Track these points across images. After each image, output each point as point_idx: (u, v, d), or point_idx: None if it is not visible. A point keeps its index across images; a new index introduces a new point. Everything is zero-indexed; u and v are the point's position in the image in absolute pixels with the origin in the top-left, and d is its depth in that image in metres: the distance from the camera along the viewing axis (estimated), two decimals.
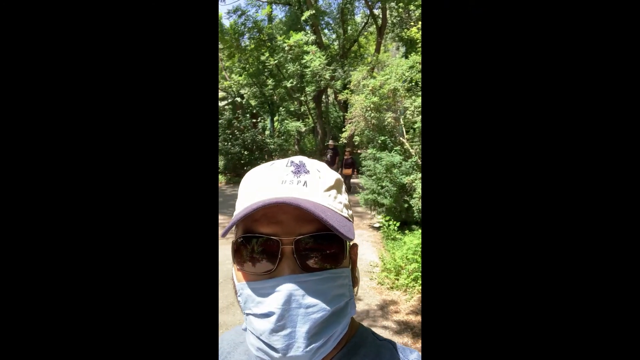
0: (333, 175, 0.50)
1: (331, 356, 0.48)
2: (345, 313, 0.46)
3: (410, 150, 6.94)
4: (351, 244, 0.50)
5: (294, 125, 15.42)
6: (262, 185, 0.47)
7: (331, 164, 9.74)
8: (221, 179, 12.42)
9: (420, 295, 4.05)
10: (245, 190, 0.49)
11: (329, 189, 0.48)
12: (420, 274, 4.14)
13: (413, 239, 4.46)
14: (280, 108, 16.29)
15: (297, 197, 0.44)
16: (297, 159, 0.50)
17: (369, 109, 7.00)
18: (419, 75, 6.60)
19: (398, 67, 6.66)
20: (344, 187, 0.53)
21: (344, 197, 0.51)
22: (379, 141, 7.16)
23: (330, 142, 10.69)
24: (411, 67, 6.63)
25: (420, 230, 5.47)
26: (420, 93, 6.98)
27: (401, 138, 7.28)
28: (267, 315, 0.43)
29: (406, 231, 5.85)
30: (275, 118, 16.25)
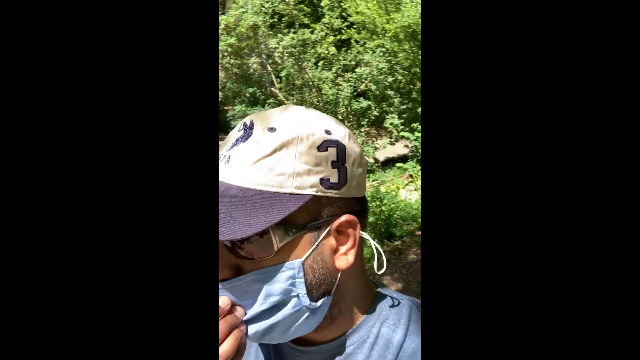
0: (281, 136, 0.40)
1: (347, 328, 0.47)
2: (289, 305, 0.42)
3: (286, 102, 5.86)
4: (342, 218, 0.43)
5: None
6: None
7: None
8: None
9: None
10: None
11: (261, 159, 0.39)
12: None
13: None
14: None
15: (220, 179, 0.40)
16: (250, 118, 0.43)
17: (226, 54, 5.50)
18: (282, 6, 5.37)
19: None
20: (303, 145, 0.41)
21: (291, 163, 0.40)
22: (247, 94, 5.84)
23: None
24: None
25: None
26: (286, 30, 5.79)
27: (272, 89, 6.10)
28: None
29: None
30: None
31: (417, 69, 5.44)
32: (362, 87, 6.06)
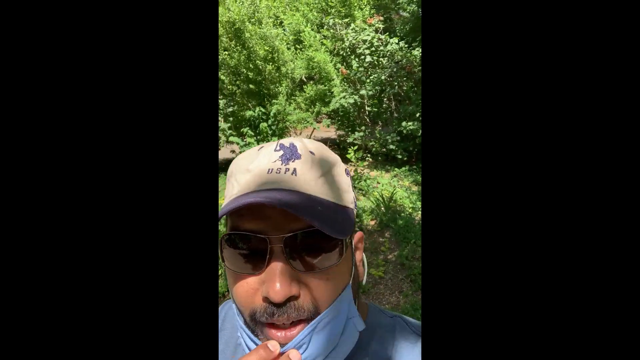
0: (329, 157, 0.46)
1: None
2: (346, 332, 0.44)
3: None
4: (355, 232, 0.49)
5: None
6: (247, 175, 0.43)
7: None
8: None
9: None
10: (231, 179, 0.45)
11: (323, 175, 0.43)
12: None
13: None
14: None
15: (286, 187, 0.41)
16: (288, 141, 0.45)
17: None
18: None
19: None
20: (342, 167, 0.48)
21: (342, 180, 0.46)
22: None
23: None
24: None
25: None
26: None
27: None
28: None
29: None
30: None
31: (244, 69, 5.19)
32: None
